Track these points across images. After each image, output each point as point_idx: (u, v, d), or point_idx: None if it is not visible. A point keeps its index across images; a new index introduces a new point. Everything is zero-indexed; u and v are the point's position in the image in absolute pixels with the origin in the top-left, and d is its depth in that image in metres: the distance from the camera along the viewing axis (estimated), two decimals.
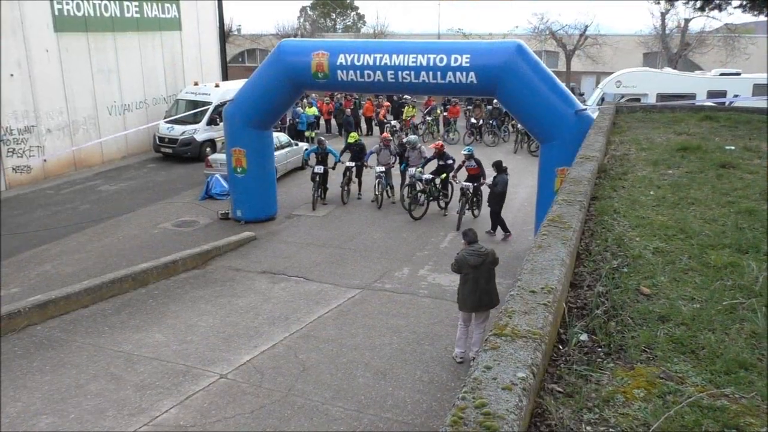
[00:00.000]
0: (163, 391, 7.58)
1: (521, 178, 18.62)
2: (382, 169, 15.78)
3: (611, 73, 26.26)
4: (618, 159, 8.44)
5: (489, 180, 13.96)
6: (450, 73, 12.14)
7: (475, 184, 14.34)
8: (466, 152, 14.42)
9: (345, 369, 8.13)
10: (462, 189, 14.38)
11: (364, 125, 26.96)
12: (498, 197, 13.75)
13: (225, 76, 27.01)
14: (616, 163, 8.22)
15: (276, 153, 16.47)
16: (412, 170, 15.71)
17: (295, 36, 39.53)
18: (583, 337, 3.69)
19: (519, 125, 22.64)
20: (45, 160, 19.03)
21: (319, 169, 16.04)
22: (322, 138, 16.85)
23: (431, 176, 15.16)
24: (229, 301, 10.30)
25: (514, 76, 11.79)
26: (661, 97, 21.68)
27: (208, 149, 20.99)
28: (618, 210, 6.00)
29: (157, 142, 21.63)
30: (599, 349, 3.54)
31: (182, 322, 9.55)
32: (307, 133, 24.39)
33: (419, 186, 15.34)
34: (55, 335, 9.06)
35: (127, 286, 10.64)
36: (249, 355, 8.48)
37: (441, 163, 15.38)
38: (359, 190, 17.06)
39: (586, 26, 34.79)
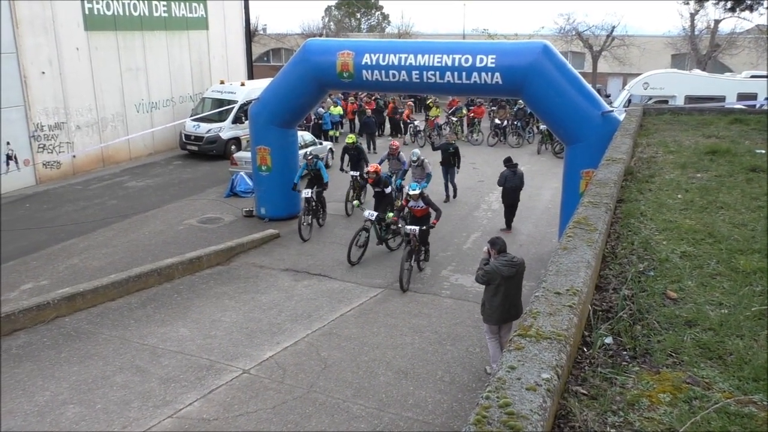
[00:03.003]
0: (187, 385, 7.69)
1: (545, 180, 18.50)
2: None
3: (638, 74, 25.94)
4: (645, 162, 8.35)
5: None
6: (475, 74, 12.11)
7: (423, 228, 11.06)
8: (412, 191, 11.03)
9: (366, 367, 8.16)
10: (405, 233, 11.20)
11: (387, 125, 26.97)
12: (507, 192, 13.92)
13: (250, 75, 27.23)
14: (643, 165, 8.13)
15: (300, 152, 16.56)
16: (407, 187, 12.52)
17: (320, 35, 39.73)
18: (608, 339, 3.67)
19: (543, 126, 22.53)
20: (74, 156, 19.39)
21: (308, 192, 13.60)
22: (311, 154, 14.38)
23: (375, 213, 12.11)
24: (253, 298, 10.40)
25: (540, 77, 11.72)
26: (690, 99, 21.36)
27: (233, 147, 21.20)
28: (645, 213, 5.94)
29: (183, 139, 21.91)
30: (624, 353, 3.52)
31: (206, 317, 9.67)
32: (331, 133, 24.52)
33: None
34: (82, 327, 9.24)
35: (152, 280, 10.81)
36: (271, 352, 8.56)
37: (377, 189, 12.65)
38: (359, 196, 15.28)
39: (614, 27, 34.42)
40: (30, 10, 17.69)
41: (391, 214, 12.17)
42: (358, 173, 15.01)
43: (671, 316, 3.86)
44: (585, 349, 3.59)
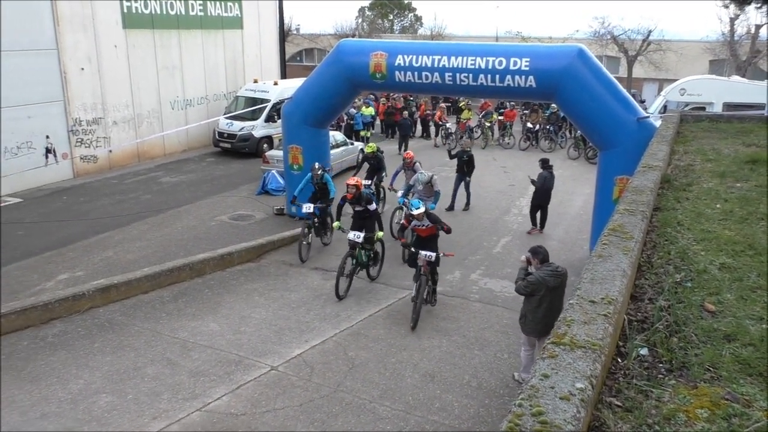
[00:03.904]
0: (216, 379, 7.79)
1: (577, 186, 18.28)
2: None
3: (675, 80, 25.48)
4: (682, 169, 8.20)
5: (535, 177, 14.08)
6: (508, 77, 12.02)
7: (440, 255, 9.62)
8: (415, 209, 9.52)
9: (393, 369, 8.17)
10: (414, 258, 9.75)
11: (419, 127, 26.94)
12: (542, 193, 13.85)
13: (283, 75, 27.46)
14: (681, 173, 7.98)
15: (332, 151, 16.66)
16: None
17: (353, 36, 39.87)
18: (644, 351, 3.62)
19: (576, 131, 22.26)
20: (110, 151, 19.78)
21: (309, 208, 12.18)
22: (320, 166, 12.81)
23: (359, 233, 10.61)
24: (282, 295, 10.49)
25: (574, 81, 11.59)
26: (728, 106, 20.89)
27: (265, 145, 21.41)
28: (682, 222, 5.84)
29: (217, 137, 22.20)
30: (660, 365, 3.46)
31: (236, 313, 9.79)
32: (362, 133, 24.58)
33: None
34: (116, 318, 9.43)
35: (184, 275, 10.97)
36: (299, 349, 8.62)
37: (358, 208, 10.99)
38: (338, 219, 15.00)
39: (650, 31, 33.86)
40: (71, 9, 18.10)
41: (380, 234, 10.95)
42: (371, 182, 14.58)
43: (709, 329, 3.79)
44: (619, 360, 3.55)
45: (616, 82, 12.01)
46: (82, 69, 18.69)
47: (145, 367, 8.08)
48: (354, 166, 20.16)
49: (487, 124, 24.81)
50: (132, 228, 14.03)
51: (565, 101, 12.01)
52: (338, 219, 11.44)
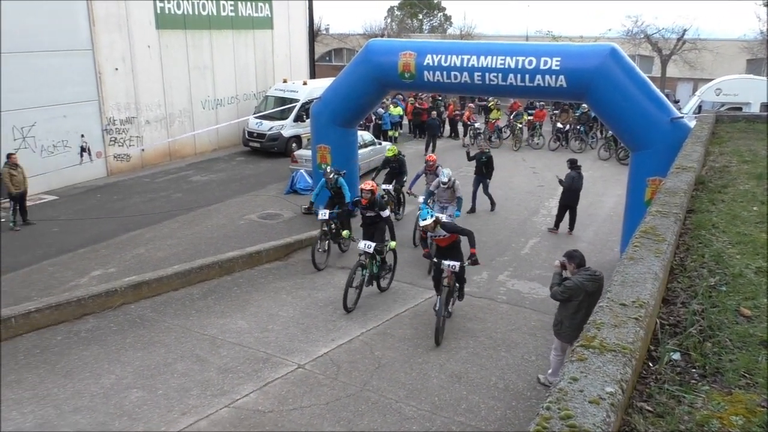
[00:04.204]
0: (244, 376, 7.87)
1: (608, 187, 18.03)
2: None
3: (710, 79, 24.95)
4: (717, 171, 8.02)
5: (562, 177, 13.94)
6: (539, 76, 11.91)
7: (465, 264, 9.05)
8: (422, 220, 8.95)
9: (420, 369, 8.15)
10: (438, 269, 9.22)
11: (447, 127, 26.85)
12: (569, 193, 13.75)
13: (312, 74, 27.63)
14: (716, 175, 7.81)
15: (359, 151, 16.70)
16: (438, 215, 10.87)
17: (382, 36, 39.91)
18: (676, 356, 3.55)
19: (608, 132, 21.94)
20: (143, 150, 20.14)
21: (324, 214, 11.68)
22: (333, 169, 12.39)
23: (369, 243, 10.02)
24: (309, 294, 10.55)
25: (606, 81, 11.42)
26: (766, 107, 20.37)
27: (294, 145, 21.56)
28: (717, 225, 5.71)
29: (246, 136, 22.43)
30: (693, 370, 3.39)
31: (264, 310, 9.87)
32: (390, 133, 24.60)
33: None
34: (147, 315, 9.59)
35: (213, 272, 11.11)
36: (326, 348, 8.66)
37: (369, 214, 10.46)
38: (397, 211, 14.64)
39: (685, 30, 33.19)
40: (106, 10, 18.46)
41: (393, 244, 10.37)
42: (391, 186, 14.18)
43: (745, 334, 3.69)
44: (651, 364, 3.48)
45: (649, 81, 11.82)
46: (116, 69, 19.05)
47: (175, 363, 8.20)
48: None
49: (519, 125, 24.53)
50: (163, 226, 14.26)
51: (596, 101, 11.86)
52: (348, 227, 11.01)
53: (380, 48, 13.73)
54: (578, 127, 24.23)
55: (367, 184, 10.61)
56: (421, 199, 12.37)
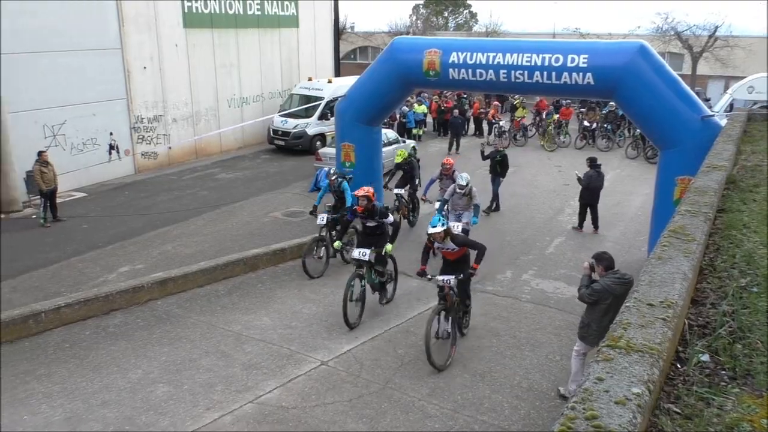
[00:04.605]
0: (268, 372, 7.92)
1: (635, 186, 17.78)
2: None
3: (742, 77, 24.41)
4: (749, 170, 7.85)
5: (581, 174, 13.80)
6: (566, 74, 11.78)
7: (460, 277, 8.20)
8: (432, 228, 8.19)
9: None
10: (439, 287, 8.27)
11: (472, 125, 26.71)
12: (587, 192, 13.64)
13: (337, 72, 27.70)
14: (747, 174, 7.64)
15: (384, 149, 16.70)
16: (452, 225, 10.23)
17: (407, 34, 39.85)
18: (705, 357, 3.48)
19: (636, 130, 21.62)
20: (170, 148, 20.39)
21: (322, 219, 11.31)
22: (335, 172, 12.14)
23: (366, 250, 9.39)
24: (332, 291, 10.57)
25: (635, 78, 11.26)
26: None
27: (318, 143, 21.64)
28: (748, 225, 5.58)
29: (271, 134, 22.58)
30: (722, 372, 3.32)
31: (288, 307, 9.93)
32: (414, 131, 24.56)
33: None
34: (173, 311, 9.71)
35: (238, 269, 11.21)
36: (349, 345, 8.67)
37: (370, 223, 9.81)
38: (411, 216, 13.98)
39: (717, 27, 32.52)
40: (135, 9, 18.73)
41: (389, 247, 9.59)
42: (403, 190, 13.64)
43: None
44: (678, 366, 3.42)
45: (679, 79, 11.62)
46: (144, 68, 19.31)
47: (200, 358, 8.29)
48: None
49: (550, 127, 24.02)
50: (189, 223, 14.42)
51: (624, 99, 11.69)
52: (340, 238, 10.05)
53: (405, 46, 13.71)
54: (605, 125, 23.91)
55: (362, 190, 9.69)
56: (437, 205, 11.87)
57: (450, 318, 8.22)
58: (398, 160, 13.96)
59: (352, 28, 45.20)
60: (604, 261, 6.82)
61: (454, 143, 22.83)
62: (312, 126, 22.06)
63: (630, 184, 18.10)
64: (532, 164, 20.79)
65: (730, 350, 3.50)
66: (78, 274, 11.37)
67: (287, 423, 6.87)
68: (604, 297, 6.67)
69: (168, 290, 10.24)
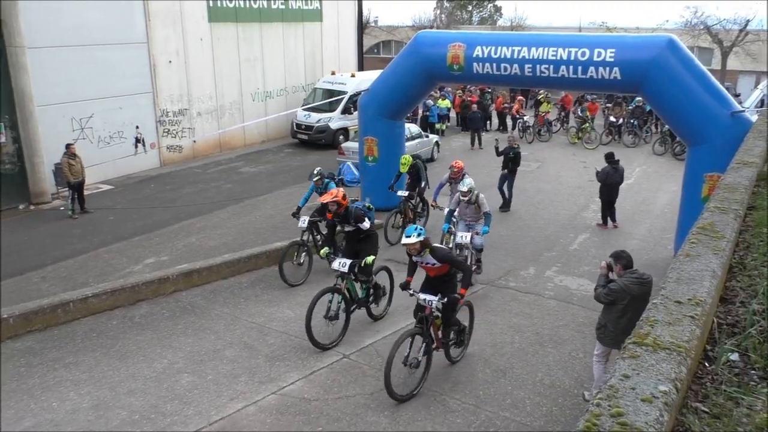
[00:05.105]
0: (291, 364, 7.98)
1: (662, 183, 17.52)
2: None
3: None
4: None
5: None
6: (592, 68, 11.64)
7: (444, 300, 7.24)
8: (406, 237, 7.24)
9: (464, 362, 8.10)
10: (418, 305, 7.52)
11: (495, 120, 26.55)
12: (605, 188, 13.56)
13: (361, 67, 27.71)
14: None
15: (406, 144, 16.68)
16: (460, 236, 10.33)
17: (431, 28, 39.68)
18: (734, 356, 3.42)
19: (663, 126, 21.29)
20: (195, 141, 20.61)
21: (304, 221, 10.75)
22: (318, 173, 11.43)
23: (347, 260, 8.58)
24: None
25: (663, 73, 11.07)
26: None
27: (341, 137, 21.70)
28: None
29: (294, 128, 22.70)
30: (752, 372, 3.26)
31: (310, 300, 9.95)
32: (437, 126, 24.48)
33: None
34: (197, 302, 9.82)
35: (261, 262, 11.29)
36: (371, 339, 8.70)
37: (348, 228, 8.99)
38: (419, 224, 12.48)
39: (748, 21, 31.84)
40: (161, 4, 18.93)
41: (370, 259, 8.67)
42: (407, 193, 12.79)
43: None
44: (707, 364, 3.37)
45: (708, 74, 11.40)
46: (170, 62, 19.52)
47: (224, 349, 8.38)
48: (428, 159, 20.14)
49: (588, 122, 23.48)
50: (213, 216, 14.57)
51: (652, 94, 11.52)
52: (328, 244, 9.09)
53: (429, 39, 13.65)
54: (632, 120, 23.58)
55: (329, 194, 8.89)
56: (447, 211, 10.93)
57: (425, 345, 7.28)
58: (404, 169, 12.86)
59: (375, 22, 45.12)
60: (622, 260, 6.62)
61: (476, 138, 22.71)
62: (335, 120, 22.11)
63: (656, 180, 17.85)
64: (557, 160, 20.61)
65: (760, 349, 3.44)
66: (105, 264, 11.57)
67: (309, 414, 6.91)
68: (622, 297, 6.49)
69: (193, 282, 10.36)
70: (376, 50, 44.35)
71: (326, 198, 8.87)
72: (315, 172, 11.41)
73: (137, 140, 18.78)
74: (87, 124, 17.21)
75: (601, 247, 12.43)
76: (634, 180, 17.73)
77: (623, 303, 6.49)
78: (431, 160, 20.23)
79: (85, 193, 14.98)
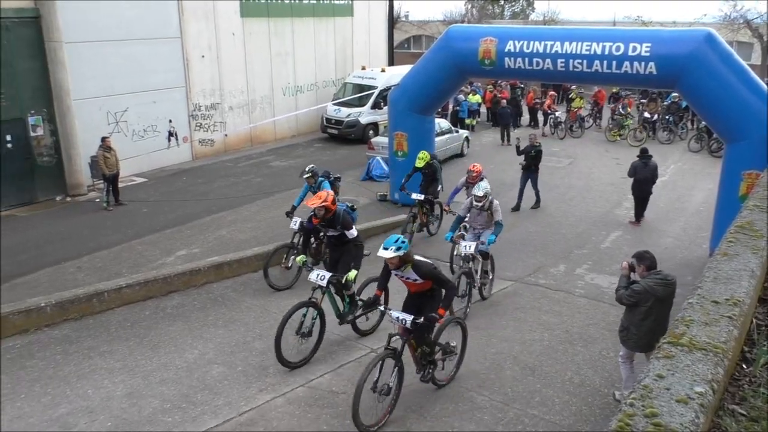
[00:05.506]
0: (319, 357, 8.03)
1: (698, 180, 17.16)
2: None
3: None
4: None
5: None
6: (626, 63, 11.45)
7: (417, 320, 6.49)
8: (383, 249, 6.52)
9: (492, 360, 8.06)
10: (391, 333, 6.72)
11: (526, 116, 26.28)
12: (636, 184, 13.42)
13: (391, 62, 27.67)
14: None
15: (436, 139, 16.62)
16: (464, 246, 9.32)
17: (462, 22, 39.40)
18: None
19: (700, 122, 20.83)
20: (226, 135, 20.84)
21: (295, 222, 10.11)
22: (310, 170, 10.85)
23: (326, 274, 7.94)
24: None
25: (700, 68, 10.83)
26: None
27: (371, 132, 21.71)
28: None
29: (324, 123, 22.78)
30: None
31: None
32: (468, 121, 24.33)
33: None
34: (228, 294, 9.95)
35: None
36: None
37: (332, 233, 8.37)
38: (428, 227, 12.71)
39: None
40: (195, 1, 19.16)
41: (352, 274, 8.01)
42: (423, 197, 12.18)
43: None
44: (744, 366, 3.30)
45: (748, 69, 11.11)
46: (203, 56, 19.75)
47: (253, 341, 8.47)
48: (458, 154, 20.07)
49: (629, 119, 23.05)
50: (244, 209, 14.72)
51: (689, 89, 11.28)
52: (305, 252, 8.58)
53: (460, 34, 13.57)
54: (667, 116, 23.11)
55: (318, 197, 8.08)
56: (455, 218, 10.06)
57: (397, 370, 6.59)
58: (419, 164, 12.27)
59: (406, 16, 45.00)
60: (645, 260, 6.42)
61: (505, 134, 22.51)
62: (365, 115, 22.14)
63: (692, 178, 17.49)
64: (589, 156, 20.33)
65: None
66: (138, 256, 11.78)
67: (337, 407, 6.95)
68: (645, 299, 6.30)
69: (223, 274, 10.49)
70: (406, 45, 44.24)
71: (314, 202, 8.02)
72: (306, 169, 10.83)
73: (170, 134, 19.06)
74: (122, 118, 17.53)
75: (634, 246, 12.20)
76: (668, 177, 17.40)
77: (647, 305, 6.33)
78: (461, 155, 20.14)
79: (120, 185, 15.28)
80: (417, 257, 6.77)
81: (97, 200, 15.43)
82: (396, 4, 34.41)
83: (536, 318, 9.29)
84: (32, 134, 15.30)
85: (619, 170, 18.12)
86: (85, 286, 9.61)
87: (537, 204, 14.79)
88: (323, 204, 7.97)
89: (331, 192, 8.45)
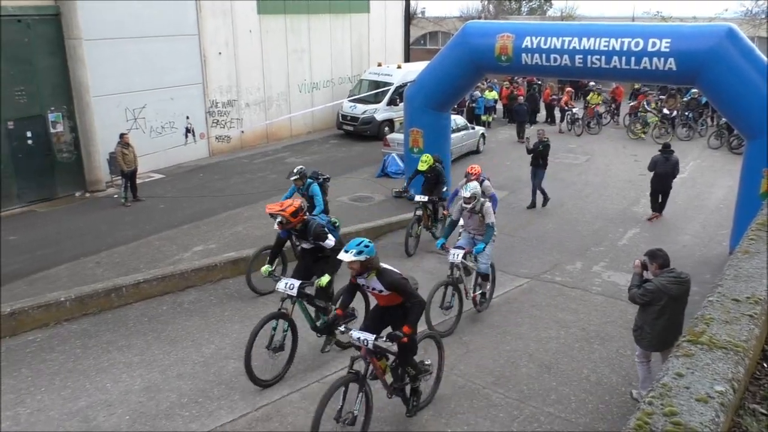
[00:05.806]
0: (335, 353, 8.05)
1: (717, 178, 16.95)
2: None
3: None
4: None
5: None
6: (645, 59, 11.33)
7: (378, 340, 5.91)
8: (345, 253, 5.85)
9: (508, 357, 8.03)
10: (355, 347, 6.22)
11: (543, 112, 26.10)
12: (655, 178, 13.37)
13: (407, 58, 27.61)
14: None
15: (452, 136, 16.57)
16: (452, 254, 8.68)
17: (479, 18, 39.23)
18: None
19: (720, 119, 20.57)
20: (242, 132, 20.95)
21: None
22: (298, 171, 10.48)
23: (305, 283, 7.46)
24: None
25: (721, 63, 10.69)
26: None
27: (386, 128, 21.70)
28: None
29: (340, 119, 22.81)
30: None
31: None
32: (483, 118, 24.23)
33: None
34: (244, 290, 9.99)
35: None
36: (419, 327, 8.66)
37: (304, 245, 7.90)
38: (432, 231, 12.08)
39: None
40: None
41: (324, 280, 7.31)
42: (426, 198, 11.67)
43: None
44: (765, 365, 3.25)
45: None
46: (220, 53, 19.84)
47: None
48: (474, 151, 20.02)
49: (655, 116, 22.80)
50: (259, 205, 14.76)
51: (709, 85, 11.14)
52: (271, 262, 7.76)
53: (477, 30, 13.51)
54: (686, 113, 22.84)
55: (279, 205, 7.45)
56: (462, 222, 9.37)
57: (362, 395, 5.92)
58: (422, 167, 11.75)
59: (422, 13, 44.91)
60: (658, 258, 6.35)
61: (521, 131, 22.37)
62: (381, 112, 22.13)
63: (711, 175, 17.27)
64: (607, 153, 20.17)
65: None
66: (155, 251, 11.88)
67: None
68: (658, 298, 6.23)
69: (240, 270, 10.54)
70: (422, 41, 44.13)
71: (273, 208, 7.39)
72: (294, 171, 10.44)
73: (187, 130, 19.18)
74: (140, 115, 17.67)
75: (652, 243, 12.09)
76: (687, 174, 17.20)
77: (660, 303, 6.27)
78: (477, 152, 20.08)
79: (138, 181, 15.41)
80: (384, 265, 6.08)
81: (116, 196, 15.59)
82: (412, 1, 34.31)
83: (552, 315, 9.24)
84: (52, 131, 15.49)
85: (637, 167, 17.96)
86: (104, 281, 9.72)
87: (544, 203, 14.60)
88: (282, 214, 7.26)
89: (298, 202, 7.62)
